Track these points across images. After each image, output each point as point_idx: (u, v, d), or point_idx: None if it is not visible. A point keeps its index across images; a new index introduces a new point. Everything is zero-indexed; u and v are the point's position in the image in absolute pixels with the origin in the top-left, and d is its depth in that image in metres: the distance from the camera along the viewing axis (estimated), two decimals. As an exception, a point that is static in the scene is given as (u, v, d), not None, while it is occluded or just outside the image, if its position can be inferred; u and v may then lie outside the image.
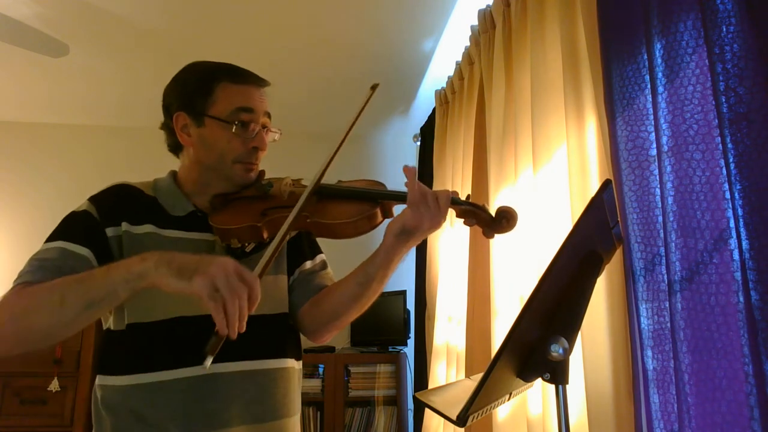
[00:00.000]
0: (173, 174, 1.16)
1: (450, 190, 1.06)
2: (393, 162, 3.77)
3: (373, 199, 1.07)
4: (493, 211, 1.07)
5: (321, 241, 1.27)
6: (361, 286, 1.08)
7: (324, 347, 3.08)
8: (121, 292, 0.86)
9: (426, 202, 1.00)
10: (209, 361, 0.82)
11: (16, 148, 3.54)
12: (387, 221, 1.08)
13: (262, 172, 1.14)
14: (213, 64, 1.14)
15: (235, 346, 1.02)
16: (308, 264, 1.23)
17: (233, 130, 1.07)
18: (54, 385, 2.69)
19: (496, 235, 1.07)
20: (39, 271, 0.95)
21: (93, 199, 1.07)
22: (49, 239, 1.01)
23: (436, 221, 1.01)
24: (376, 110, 3.45)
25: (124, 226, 1.04)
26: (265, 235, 1.06)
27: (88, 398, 2.70)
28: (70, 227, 1.03)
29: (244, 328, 0.83)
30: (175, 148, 1.15)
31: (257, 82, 1.12)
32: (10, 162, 3.51)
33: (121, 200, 1.08)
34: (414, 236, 1.02)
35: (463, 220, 1.08)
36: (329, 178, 1.09)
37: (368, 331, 3.24)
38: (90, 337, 2.79)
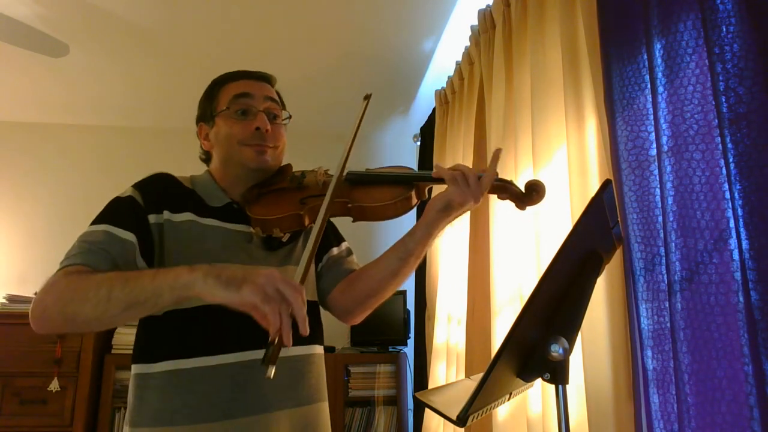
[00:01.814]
0: (208, 171, 1.21)
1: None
2: (393, 162, 3.75)
3: (407, 182, 1.13)
4: (522, 186, 1.12)
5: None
6: (401, 261, 1.14)
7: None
8: (165, 299, 0.87)
9: (467, 180, 1.05)
10: (272, 370, 0.80)
11: (17, 147, 3.54)
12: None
13: (289, 166, 1.19)
14: (219, 76, 1.21)
15: None
16: (335, 250, 1.29)
17: (233, 117, 1.13)
18: (54, 385, 2.69)
19: (528, 207, 1.12)
20: (88, 254, 0.97)
21: (137, 186, 1.10)
22: (95, 222, 1.03)
23: (478, 199, 1.06)
24: (376, 110, 3.46)
25: (166, 214, 1.07)
26: (307, 222, 1.11)
27: (88, 398, 2.73)
28: (116, 212, 1.05)
29: (307, 331, 0.81)
30: (206, 159, 1.23)
31: (256, 75, 1.19)
32: (12, 161, 3.51)
33: (163, 189, 1.12)
34: (456, 212, 1.08)
35: (496, 195, 1.14)
36: (357, 169, 1.15)
37: (368, 331, 3.23)
38: (90, 337, 2.79)
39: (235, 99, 1.14)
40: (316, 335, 1.17)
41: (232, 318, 1.03)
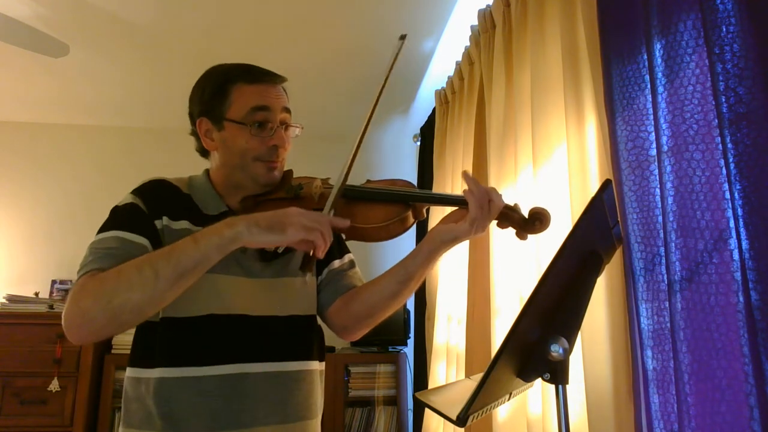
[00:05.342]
0: (207, 173, 1.18)
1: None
2: (393, 162, 3.76)
3: (404, 201, 1.07)
4: (525, 212, 1.07)
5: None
6: (400, 284, 1.12)
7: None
8: (213, 257, 0.92)
9: (482, 208, 1.03)
10: (309, 275, 1.06)
11: (17, 147, 3.54)
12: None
13: (290, 172, 1.15)
14: (228, 67, 1.15)
15: (264, 347, 1.05)
16: (336, 263, 1.25)
17: (250, 131, 1.07)
18: (54, 385, 2.69)
19: (529, 236, 1.08)
20: (106, 258, 0.96)
21: (136, 192, 1.08)
22: (102, 230, 1.02)
23: (486, 227, 1.05)
24: (376, 110, 3.45)
25: (165, 220, 1.06)
26: None
27: (88, 398, 2.73)
28: (121, 218, 1.03)
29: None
30: (204, 152, 1.17)
31: (272, 78, 1.13)
32: (11, 161, 3.51)
33: (161, 195, 1.09)
34: (462, 239, 1.07)
35: (497, 222, 1.09)
36: (357, 179, 1.10)
37: (368, 331, 3.23)
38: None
39: (253, 112, 1.07)
40: (313, 350, 1.16)
41: (224, 330, 1.03)
